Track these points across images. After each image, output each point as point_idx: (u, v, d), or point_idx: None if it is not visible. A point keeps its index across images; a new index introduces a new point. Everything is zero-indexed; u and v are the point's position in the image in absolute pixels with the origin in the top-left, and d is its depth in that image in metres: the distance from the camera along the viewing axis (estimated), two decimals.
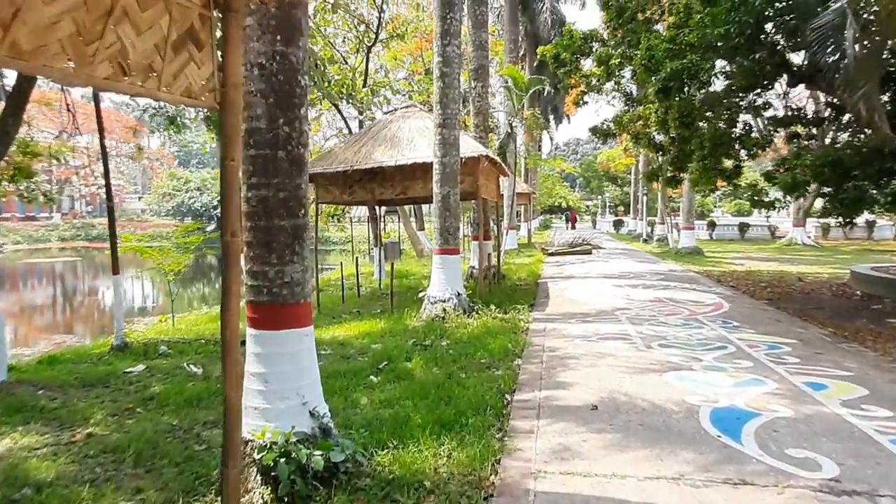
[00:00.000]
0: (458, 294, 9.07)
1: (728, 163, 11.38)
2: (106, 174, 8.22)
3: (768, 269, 17.27)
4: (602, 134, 15.19)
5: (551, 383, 5.49)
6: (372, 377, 6.08)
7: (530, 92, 19.20)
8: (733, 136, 10.72)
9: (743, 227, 34.28)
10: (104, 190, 8.10)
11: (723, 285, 13.11)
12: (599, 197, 62.11)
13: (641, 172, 32.78)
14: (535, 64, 29.83)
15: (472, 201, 13.74)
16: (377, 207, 16.85)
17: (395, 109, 12.03)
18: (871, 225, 33.08)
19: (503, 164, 11.99)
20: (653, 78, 9.44)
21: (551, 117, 45.02)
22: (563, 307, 9.88)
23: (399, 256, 25.78)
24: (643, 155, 31.72)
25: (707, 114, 10.49)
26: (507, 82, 18.53)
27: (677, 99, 9.94)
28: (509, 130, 18.23)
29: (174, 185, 62.40)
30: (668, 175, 14.77)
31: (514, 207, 22.91)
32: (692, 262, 18.95)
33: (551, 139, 39.85)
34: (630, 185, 42.65)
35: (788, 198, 11.56)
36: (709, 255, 21.81)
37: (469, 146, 10.03)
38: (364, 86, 15.70)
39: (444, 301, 8.98)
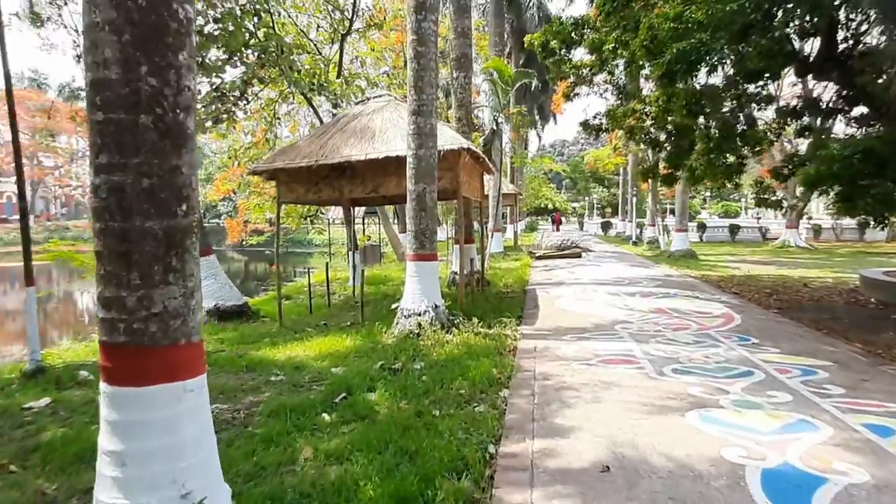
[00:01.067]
0: (436, 306, 7.91)
1: (731, 158, 10.33)
2: (18, 168, 6.94)
3: (768, 273, 16.33)
4: (593, 129, 14.10)
5: (547, 427, 4.33)
6: (325, 415, 4.90)
7: (516, 86, 18.11)
8: (740, 128, 9.66)
9: (734, 229, 33.53)
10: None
11: (725, 292, 12.08)
12: (586, 198, 61.33)
13: (632, 171, 31.94)
14: (521, 62, 28.86)
15: (454, 201, 12.65)
16: (353, 208, 15.65)
17: (368, 99, 10.84)
18: (862, 226, 32.46)
19: (487, 161, 10.86)
20: (655, 61, 8.35)
21: (537, 117, 44.13)
22: (555, 320, 8.75)
23: (380, 260, 24.59)
24: (633, 154, 30.85)
25: (715, 102, 9.43)
26: (491, 75, 17.42)
27: (682, 85, 8.87)
28: (494, 127, 17.11)
29: None
30: (664, 173, 13.77)
31: (499, 208, 21.81)
32: (687, 266, 17.97)
33: (539, 136, 38.86)
34: (618, 187, 41.84)
35: (796, 196, 10.57)
36: (703, 259, 20.87)
37: (448, 137, 8.88)
38: (338, 76, 14.49)
39: (420, 315, 7.81)
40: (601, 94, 14.42)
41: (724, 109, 9.83)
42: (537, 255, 20.70)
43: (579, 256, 20.64)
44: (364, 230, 24.17)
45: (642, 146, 25.41)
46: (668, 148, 13.33)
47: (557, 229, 52.00)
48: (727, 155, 9.87)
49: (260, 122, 15.65)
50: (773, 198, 10.33)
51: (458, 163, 8.88)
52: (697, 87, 9.38)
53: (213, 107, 12.13)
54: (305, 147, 9.55)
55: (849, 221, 33.53)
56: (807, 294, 12.21)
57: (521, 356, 6.57)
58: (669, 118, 12.71)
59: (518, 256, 21.56)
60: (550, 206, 56.64)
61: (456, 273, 13.19)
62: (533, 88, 40.65)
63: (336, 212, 24.02)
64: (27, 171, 66.34)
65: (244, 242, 32.69)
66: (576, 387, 5.30)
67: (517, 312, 9.39)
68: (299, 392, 5.70)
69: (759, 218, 39.87)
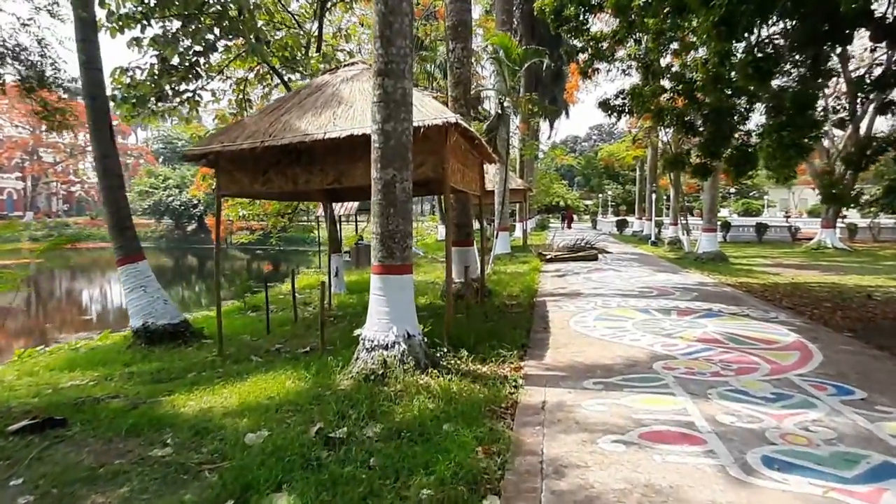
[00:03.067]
0: (409, 335, 5.80)
1: (804, 137, 8.08)
2: None
3: (817, 280, 14.06)
4: (614, 112, 11.95)
5: None
6: None
7: (525, 66, 15.95)
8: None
9: (760, 229, 31.06)
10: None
11: (778, 307, 9.88)
12: (600, 195, 58.89)
13: (651, 166, 29.60)
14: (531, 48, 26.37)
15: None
16: (333, 204, 13.58)
17: (338, 67, 8.75)
18: None
19: (486, 146, 8.73)
20: (711, 3, 6.15)
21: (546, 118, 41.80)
22: (570, 350, 6.61)
23: None
24: (652, 147, 28.52)
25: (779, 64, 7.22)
26: (497, 53, 15.26)
27: (744, 38, 6.69)
28: (499, 112, 14.96)
29: (151, 182, 59.13)
30: (696, 163, 11.58)
31: (506, 205, 19.64)
32: (719, 271, 15.71)
33: (551, 125, 36.55)
34: (634, 183, 39.46)
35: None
36: (734, 262, 18.57)
37: (431, 110, 6.76)
38: (318, 50, 12.43)
39: (386, 348, 5.71)
40: (624, 72, 12.20)
41: (792, 75, 7.66)
42: (548, 256, 18.52)
43: (595, 259, 18.44)
44: (357, 228, 22.12)
45: (668, 134, 23.10)
46: (705, 132, 11.14)
47: (569, 227, 49.73)
48: (803, 131, 7.62)
49: (231, 106, 13.63)
50: (851, 192, 8.09)
51: (444, 144, 6.76)
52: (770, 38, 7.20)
53: (161, 82, 10.10)
54: (252, 125, 7.48)
55: (887, 220, 31.00)
56: (877, 309, 9.97)
57: (523, 421, 4.44)
58: (718, 89, 10.53)
59: (527, 258, 19.39)
60: (562, 203, 54.24)
61: (454, 281, 11.11)
62: (544, 76, 38.50)
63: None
64: (27, 167, 65.03)
65: (231, 241, 30.74)
66: (610, 499, 3.18)
67: (521, 338, 7.28)
68: (175, 486, 3.66)
69: (787, 216, 37.44)
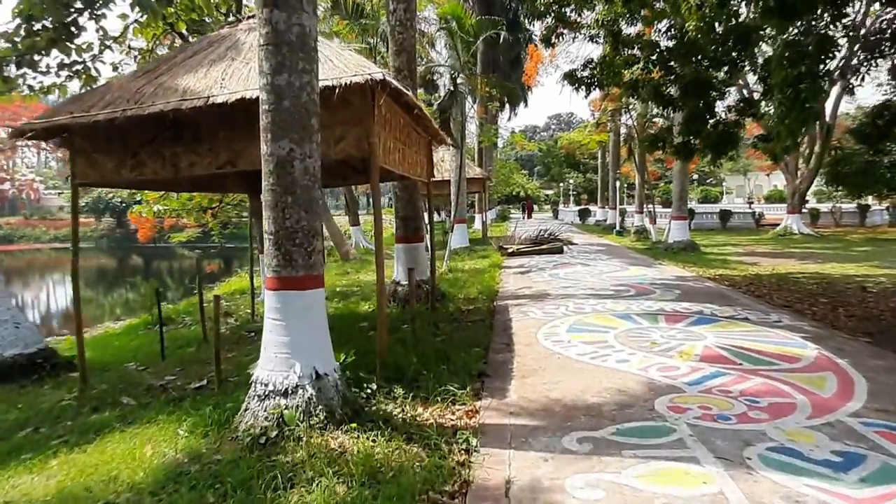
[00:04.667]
0: (319, 375, 4.12)
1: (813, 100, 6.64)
2: None
3: (799, 270, 12.96)
4: (581, 84, 10.43)
5: None
6: None
7: (481, 38, 14.30)
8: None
9: (725, 215, 30.37)
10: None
11: (772, 305, 8.60)
12: (561, 185, 57.98)
13: (613, 151, 28.46)
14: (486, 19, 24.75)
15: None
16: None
17: (240, 20, 6.90)
18: (863, 210, 29.70)
19: (429, 117, 7.06)
20: None
21: (506, 99, 40.32)
22: (543, 383, 5.02)
23: (323, 260, 20.64)
24: (615, 132, 27.37)
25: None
26: (447, 23, 13.58)
27: None
28: (452, 89, 13.30)
29: None
30: (679, 142, 10.20)
31: (463, 195, 18.04)
32: (694, 262, 14.49)
33: (511, 107, 35.05)
34: (597, 171, 38.45)
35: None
36: (706, 252, 17.47)
37: (349, 65, 5.05)
38: (238, 11, 10.49)
39: (286, 395, 4.01)
40: (591, 39, 10.67)
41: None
42: (510, 250, 17.01)
43: (561, 252, 17.03)
44: None
45: (633, 117, 21.85)
46: (685, 109, 9.76)
47: (529, 217, 48.69)
48: (821, 85, 6.14)
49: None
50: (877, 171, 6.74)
51: (370, 111, 5.05)
52: None
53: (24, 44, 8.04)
54: (117, 89, 5.61)
55: (847, 205, 30.77)
56: (878, 304, 8.80)
57: None
58: (696, 61, 9.13)
59: (486, 252, 17.84)
60: (523, 193, 53.03)
61: (399, 283, 9.45)
62: (502, 62, 37.00)
63: None
64: None
65: (167, 239, 28.19)
66: None
67: (478, 361, 5.67)
68: None
69: (751, 203, 37.13)
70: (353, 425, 3.94)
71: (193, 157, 5.48)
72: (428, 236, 9.98)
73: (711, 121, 10.10)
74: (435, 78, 21.65)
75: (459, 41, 13.66)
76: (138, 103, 5.21)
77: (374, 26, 12.30)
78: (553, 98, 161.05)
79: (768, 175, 55.62)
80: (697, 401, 4.27)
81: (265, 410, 4.00)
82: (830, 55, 6.01)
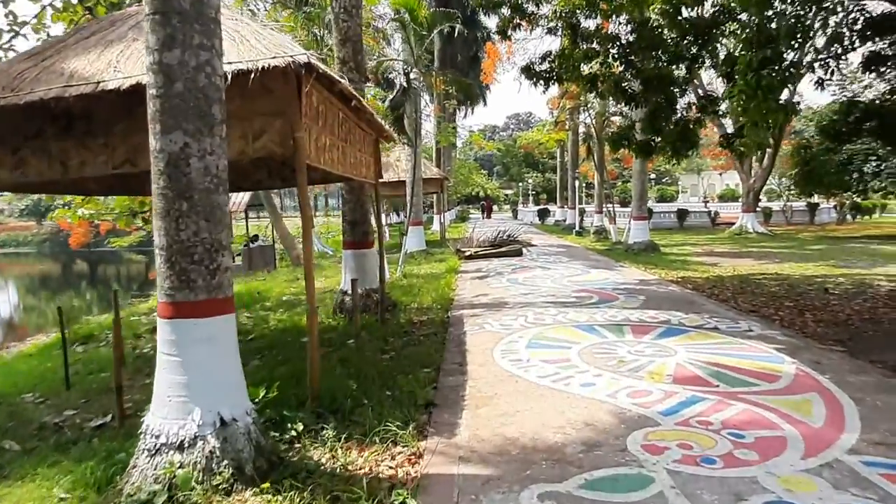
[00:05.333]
0: (225, 422, 3.35)
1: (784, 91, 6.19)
2: None
3: (758, 271, 12.77)
4: (539, 79, 9.88)
5: None
6: None
7: (436, 32, 13.63)
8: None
9: (682, 214, 30.56)
10: None
11: (738, 310, 8.22)
12: (520, 184, 57.91)
13: (572, 151, 28.20)
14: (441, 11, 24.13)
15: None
16: None
17: None
18: (812, 208, 30.33)
19: (369, 110, 6.32)
20: None
21: (463, 97, 39.79)
22: (498, 414, 4.36)
23: (274, 265, 19.57)
24: (573, 131, 27.12)
25: None
26: (399, 15, 12.85)
27: None
28: (405, 85, 12.58)
29: None
30: (642, 140, 9.76)
31: (419, 196, 17.33)
32: (655, 264, 14.18)
33: (470, 105, 34.54)
34: (556, 171, 38.31)
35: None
36: (665, 252, 17.25)
37: (268, 46, 4.28)
38: None
39: (181, 448, 3.24)
40: (549, 32, 10.13)
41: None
42: (467, 253, 16.39)
43: (520, 254, 16.51)
44: (247, 226, 19.09)
45: (591, 116, 21.55)
46: (647, 105, 9.33)
47: (488, 217, 48.53)
48: (789, 72, 5.64)
49: None
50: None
51: (294, 100, 4.30)
52: None
53: None
54: None
55: (798, 204, 31.40)
56: (842, 307, 8.54)
57: None
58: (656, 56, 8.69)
59: (444, 255, 17.20)
60: (482, 193, 52.71)
61: (347, 293, 8.67)
62: (460, 60, 36.46)
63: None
64: None
65: (107, 243, 26.54)
66: None
67: (427, 386, 4.99)
68: None
69: (706, 202, 37.61)
70: (267, 485, 3.20)
71: (85, 154, 4.62)
72: (379, 241, 9.24)
73: (673, 118, 9.72)
74: (392, 76, 20.91)
75: (412, 34, 12.96)
76: (15, 91, 4.32)
77: (319, 15, 11.48)
78: (512, 97, 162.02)
79: (721, 174, 56.88)
80: (676, 437, 3.69)
81: (155, 469, 3.22)
82: (800, 41, 5.57)
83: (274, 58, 4.07)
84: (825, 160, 6.41)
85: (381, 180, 8.47)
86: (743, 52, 5.52)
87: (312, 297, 4.52)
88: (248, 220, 19.57)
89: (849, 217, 30.76)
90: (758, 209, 27.06)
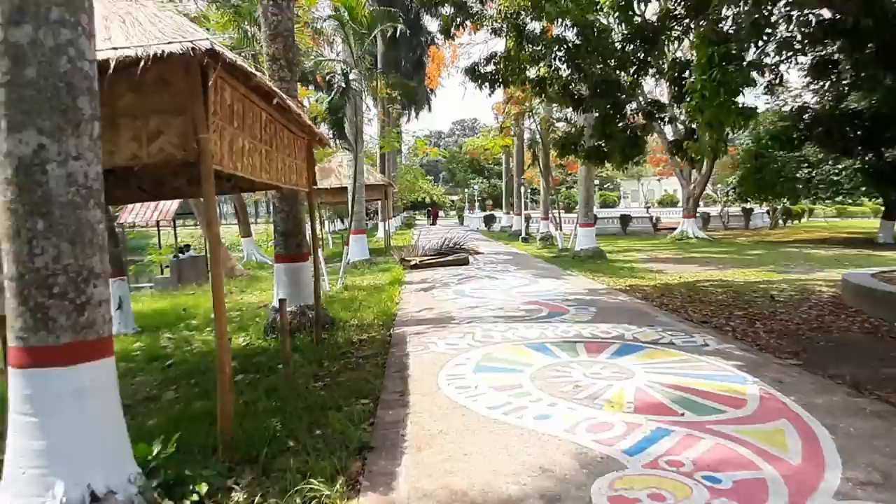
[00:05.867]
0: (97, 497, 2.64)
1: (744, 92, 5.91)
2: None
3: (704, 277, 12.77)
4: (485, 81, 9.46)
5: None
6: None
7: (378, 31, 13.02)
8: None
9: (625, 220, 31.01)
10: None
11: (689, 321, 8.01)
12: (466, 190, 57.85)
13: (517, 156, 28.10)
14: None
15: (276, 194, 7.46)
16: (111, 210, 9.72)
17: None
18: (747, 213, 31.40)
19: (301, 114, 5.67)
20: None
21: (408, 103, 39.26)
22: (443, 460, 3.77)
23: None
24: (518, 137, 27.03)
25: None
26: (337, 12, 12.17)
27: None
28: (343, 85, 11.92)
29: None
30: (591, 146, 9.47)
31: (361, 204, 16.63)
32: (603, 272, 14.01)
33: (415, 109, 34.01)
34: (501, 176, 38.26)
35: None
36: (612, 259, 17.21)
37: (165, 30, 3.60)
38: None
39: None
40: (494, 33, 9.72)
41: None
42: (412, 262, 15.82)
43: (466, 263, 16.07)
44: (176, 235, 17.86)
45: (536, 121, 21.41)
46: (597, 110, 9.04)
47: (434, 223, 48.30)
48: (746, 69, 5.37)
49: None
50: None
51: (197, 95, 3.62)
52: None
53: None
54: None
55: (734, 209, 32.45)
56: (792, 316, 8.47)
57: None
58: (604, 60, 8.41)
59: (388, 264, 16.55)
60: (428, 199, 52.27)
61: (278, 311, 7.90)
62: (404, 66, 35.94)
63: (139, 212, 17.45)
64: None
65: None
66: None
67: (362, 423, 4.37)
68: None
69: (648, 208, 38.40)
70: None
71: None
72: (314, 253, 8.54)
73: (621, 124, 9.50)
74: (337, 81, 20.15)
75: (352, 33, 12.31)
76: None
77: (249, 10, 10.69)
78: (458, 103, 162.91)
79: (660, 180, 58.65)
80: (645, 484, 3.22)
81: None
82: (763, 40, 5.32)
83: (170, 43, 3.39)
84: (776, 168, 6.37)
85: (319, 187, 7.83)
86: (701, 46, 5.19)
87: (223, 332, 3.81)
88: (175, 228, 18.33)
89: (780, 222, 32.02)
90: (697, 215, 27.74)
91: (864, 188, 16.29)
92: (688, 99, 5.24)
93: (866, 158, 9.24)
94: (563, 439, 3.91)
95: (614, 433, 3.95)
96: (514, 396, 4.81)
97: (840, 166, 17.98)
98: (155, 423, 4.97)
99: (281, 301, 6.04)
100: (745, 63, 5.09)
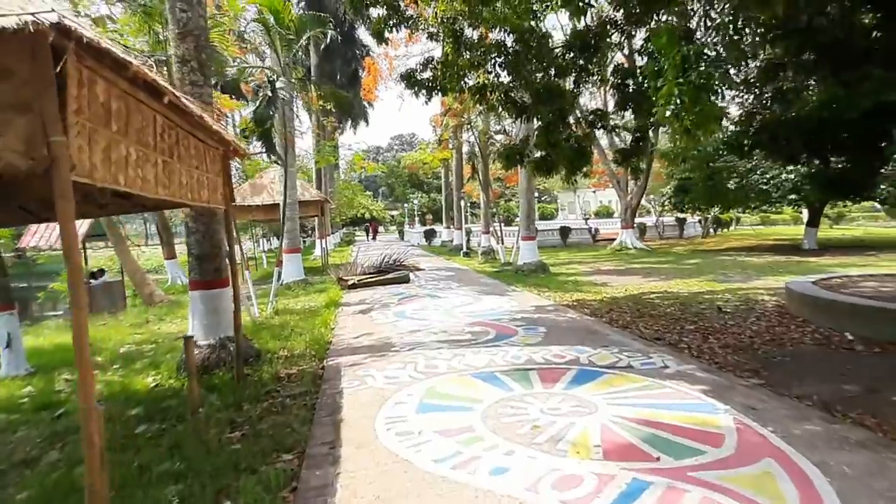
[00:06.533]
0: None
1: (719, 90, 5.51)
2: None
3: (649, 289, 12.58)
4: (422, 88, 8.86)
5: None
6: None
7: (306, 36, 12.20)
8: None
9: (565, 232, 31.13)
10: None
11: (643, 339, 7.61)
12: (406, 205, 57.19)
13: (456, 170, 27.73)
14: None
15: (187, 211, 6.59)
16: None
17: None
18: (681, 223, 32.22)
19: (207, 119, 4.87)
20: None
21: (346, 117, 38.35)
22: None
23: (124, 304, 16.73)
24: (457, 150, 26.66)
25: None
26: (261, 15, 11.30)
27: None
28: (270, 94, 11.05)
29: None
30: (538, 157, 9.03)
31: (294, 221, 15.63)
32: (548, 286, 13.62)
33: (352, 124, 33.12)
34: (441, 190, 37.83)
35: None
36: (555, 272, 16.91)
37: (3, 1, 2.78)
38: None
39: None
40: (431, 37, 9.17)
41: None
42: (350, 282, 14.94)
43: (407, 281, 15.34)
44: (86, 258, 16.25)
45: (475, 133, 21.08)
46: (541, 118, 8.61)
47: (374, 238, 47.46)
48: (720, 72, 4.96)
49: None
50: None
51: (43, 84, 2.78)
52: None
53: None
54: None
55: (668, 219, 33.24)
56: (742, 328, 8.25)
57: None
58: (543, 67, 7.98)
59: (325, 284, 15.60)
60: (368, 215, 51.28)
61: (196, 344, 6.91)
62: (339, 79, 35.04)
63: (43, 234, 15.74)
64: None
65: None
66: None
67: (280, 494, 3.58)
68: None
69: (587, 219, 38.87)
70: None
71: None
72: (233, 278, 7.62)
73: (564, 133, 9.12)
74: (263, 90, 19.08)
75: (279, 38, 11.46)
76: None
77: (160, 10, 9.64)
78: (396, 118, 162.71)
79: (595, 192, 59.98)
80: None
81: None
82: (734, 37, 4.96)
83: (3, 16, 2.56)
84: (723, 176, 6.19)
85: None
86: (669, 45, 4.74)
87: (89, 395, 2.93)
88: (86, 251, 16.70)
89: (711, 230, 33.05)
90: (635, 225, 28.16)
91: (792, 196, 16.75)
92: (660, 104, 4.78)
93: (812, 165, 9.31)
94: (525, 502, 3.25)
95: (585, 489, 3.33)
96: (465, 444, 4.13)
97: (767, 176, 18.50)
98: (26, 497, 4.04)
99: (187, 339, 5.14)
100: (722, 61, 4.72)
